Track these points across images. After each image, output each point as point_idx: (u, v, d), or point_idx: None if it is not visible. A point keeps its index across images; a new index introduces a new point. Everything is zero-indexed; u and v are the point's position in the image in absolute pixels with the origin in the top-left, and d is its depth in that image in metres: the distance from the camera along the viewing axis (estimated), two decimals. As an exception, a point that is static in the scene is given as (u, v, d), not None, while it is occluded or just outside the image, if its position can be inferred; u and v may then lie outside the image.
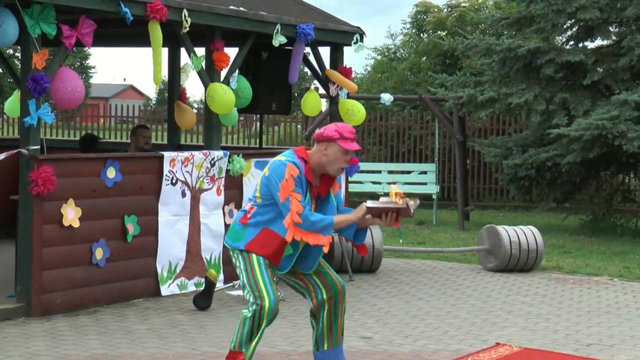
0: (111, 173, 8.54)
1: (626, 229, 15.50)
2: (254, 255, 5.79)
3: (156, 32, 8.59)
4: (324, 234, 5.70)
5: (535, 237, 11.21)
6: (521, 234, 11.17)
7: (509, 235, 11.07)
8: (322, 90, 11.23)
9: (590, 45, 16.17)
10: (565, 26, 15.97)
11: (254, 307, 5.74)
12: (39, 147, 7.93)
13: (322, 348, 6.08)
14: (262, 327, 5.77)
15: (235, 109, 10.02)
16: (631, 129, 13.77)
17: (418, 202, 5.86)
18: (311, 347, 6.24)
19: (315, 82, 10.90)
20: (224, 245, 9.55)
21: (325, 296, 5.98)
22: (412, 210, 5.73)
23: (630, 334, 7.95)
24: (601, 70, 15.20)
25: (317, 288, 5.99)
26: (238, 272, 5.91)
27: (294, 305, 8.70)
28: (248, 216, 5.84)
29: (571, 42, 16.12)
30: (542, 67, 15.11)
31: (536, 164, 15.17)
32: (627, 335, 7.90)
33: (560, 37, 16.41)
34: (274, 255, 5.82)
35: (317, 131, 5.88)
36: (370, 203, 5.77)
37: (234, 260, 5.94)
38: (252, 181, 9.93)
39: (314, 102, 10.83)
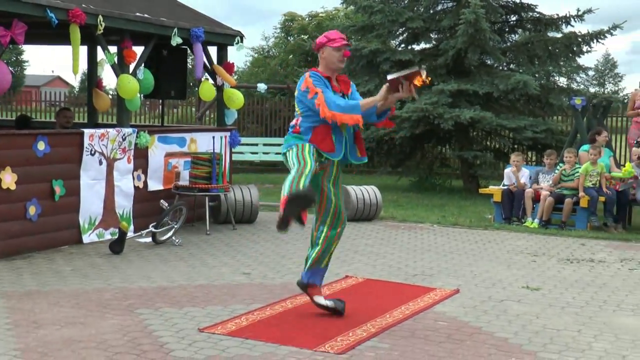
0: (41, 146, 8.26)
1: (443, 188, 15.91)
2: (307, 148, 5.42)
3: (75, 33, 8.30)
4: (354, 113, 5.45)
5: (375, 194, 11.38)
6: (365, 192, 11.32)
7: (355, 193, 11.21)
8: (212, 81, 11.09)
9: (416, 47, 16.41)
10: (398, 32, 16.17)
11: (299, 167, 5.32)
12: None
13: (304, 268, 5.91)
14: (304, 181, 5.20)
15: (140, 95, 9.78)
16: (447, 111, 14.08)
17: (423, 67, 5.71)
18: (204, 281, 5.92)
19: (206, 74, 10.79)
20: (133, 201, 9.40)
21: (328, 221, 5.76)
22: (422, 71, 5.54)
23: (445, 266, 8.17)
24: (425, 67, 15.40)
25: (325, 214, 5.75)
26: (289, 158, 5.47)
27: (189, 250, 8.62)
28: (297, 126, 5.55)
29: (402, 45, 16.32)
30: (380, 63, 15.26)
31: (376, 138, 15.38)
32: (442, 267, 8.12)
33: (394, 41, 16.60)
34: (330, 142, 5.53)
35: (313, 44, 5.80)
36: (389, 76, 5.56)
37: (286, 159, 5.52)
38: (156, 152, 9.76)
39: (209, 89, 10.68)
